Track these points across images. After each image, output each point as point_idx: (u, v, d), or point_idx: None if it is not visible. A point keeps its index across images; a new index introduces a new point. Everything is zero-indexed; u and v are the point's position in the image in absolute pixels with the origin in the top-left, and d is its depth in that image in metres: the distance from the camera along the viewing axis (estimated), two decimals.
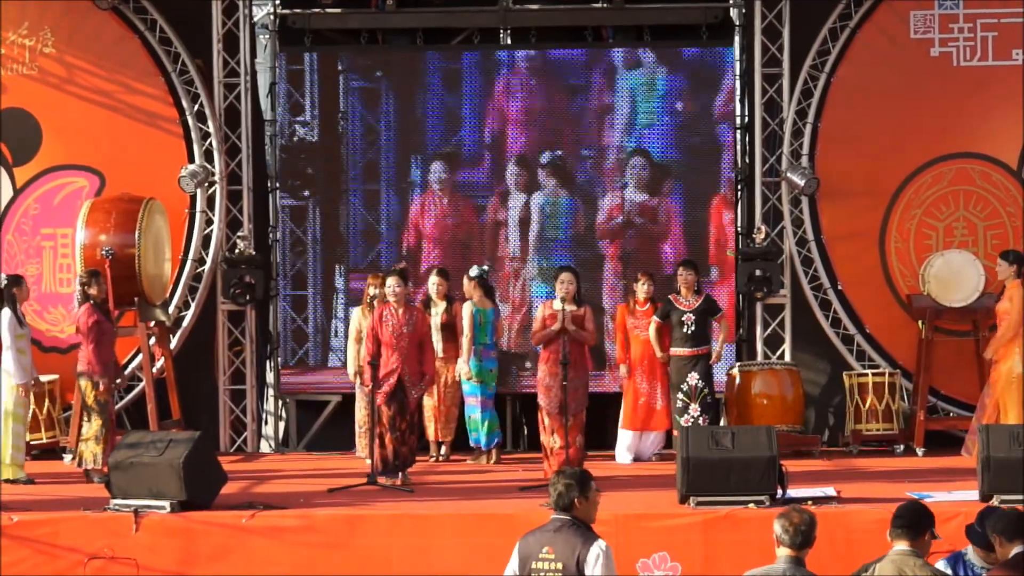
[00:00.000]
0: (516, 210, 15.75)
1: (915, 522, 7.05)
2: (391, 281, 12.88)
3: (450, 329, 14.31)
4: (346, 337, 14.72)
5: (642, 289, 14.27)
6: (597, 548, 7.14)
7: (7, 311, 13.26)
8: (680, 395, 13.95)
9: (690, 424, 13.53)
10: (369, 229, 15.83)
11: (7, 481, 13.05)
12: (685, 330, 13.97)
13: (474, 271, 14.59)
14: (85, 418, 13.16)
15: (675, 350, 14.02)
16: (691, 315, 13.98)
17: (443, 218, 15.80)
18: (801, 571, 6.84)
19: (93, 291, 13.20)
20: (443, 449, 14.55)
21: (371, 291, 14.09)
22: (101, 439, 12.98)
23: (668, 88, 15.66)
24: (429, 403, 14.35)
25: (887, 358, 15.28)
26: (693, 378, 13.92)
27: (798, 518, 6.89)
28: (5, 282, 13.47)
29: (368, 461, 13.74)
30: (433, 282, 14.38)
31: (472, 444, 14.55)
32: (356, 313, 14.38)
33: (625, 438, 14.33)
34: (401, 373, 12.71)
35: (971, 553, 7.50)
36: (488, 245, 15.75)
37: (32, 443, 14.47)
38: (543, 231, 15.74)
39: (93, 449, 13.03)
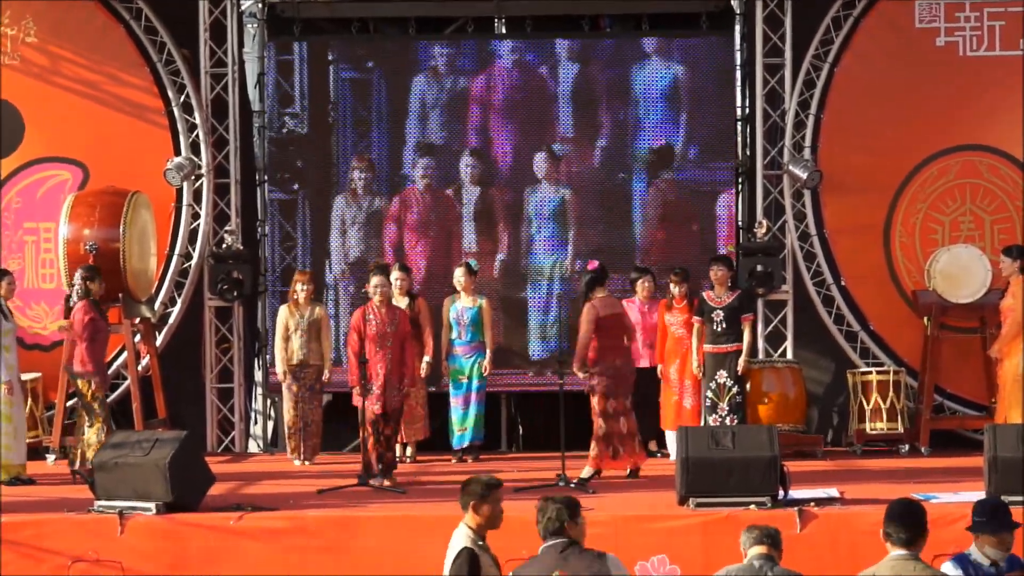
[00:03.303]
0: (509, 204, 15.57)
1: (911, 525, 6.87)
2: (376, 280, 12.79)
3: (413, 325, 14.08)
4: (279, 336, 14.38)
5: (674, 289, 14.08)
6: (614, 560, 6.99)
7: None
8: (709, 393, 13.79)
9: (718, 424, 13.37)
10: (360, 223, 15.54)
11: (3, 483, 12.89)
12: (715, 327, 13.80)
13: (474, 264, 14.63)
14: (87, 420, 12.97)
15: (706, 347, 13.85)
16: (720, 312, 13.76)
17: (434, 211, 15.63)
18: (776, 568, 6.81)
19: (95, 287, 13.12)
20: (408, 450, 14.36)
21: (298, 288, 14.15)
22: (103, 436, 12.78)
23: (667, 79, 15.49)
24: None
25: (892, 356, 15.21)
26: (722, 376, 13.74)
27: (762, 526, 6.98)
28: None
29: (297, 463, 14.08)
30: (394, 277, 14.16)
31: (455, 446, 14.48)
32: (283, 311, 14.29)
33: (667, 437, 14.17)
34: (387, 375, 12.59)
35: (976, 552, 7.34)
36: (480, 240, 15.54)
37: None
38: (538, 225, 15.51)
39: (93, 446, 12.81)
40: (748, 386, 13.99)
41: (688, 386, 14.04)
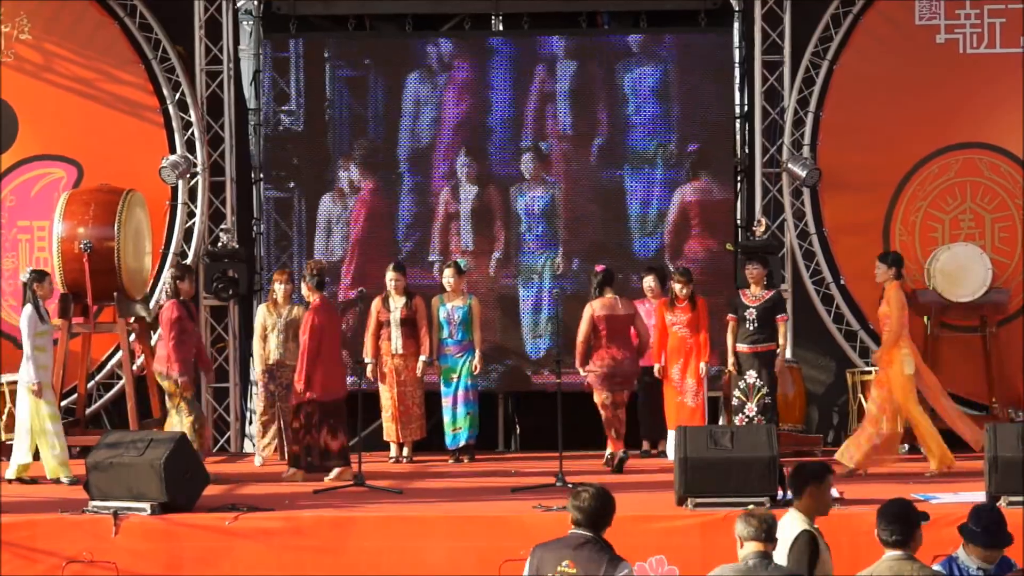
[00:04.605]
0: (503, 202, 15.49)
1: (903, 525, 6.86)
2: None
3: (410, 324, 14.03)
4: (257, 335, 14.27)
5: (679, 290, 13.93)
6: (625, 570, 6.89)
7: (28, 307, 13.07)
8: (737, 392, 13.68)
9: (745, 423, 13.30)
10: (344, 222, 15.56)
11: (54, 481, 12.87)
12: (748, 326, 13.68)
13: (463, 264, 14.60)
14: (177, 417, 12.89)
15: (738, 346, 13.72)
16: (754, 310, 13.64)
17: (429, 210, 15.52)
18: (772, 567, 6.78)
19: (185, 286, 13.06)
20: (404, 451, 14.29)
21: (276, 286, 14.10)
22: (195, 433, 12.74)
23: (665, 76, 15.41)
24: (387, 403, 14.17)
25: None
26: (751, 376, 13.62)
27: (760, 513, 6.91)
28: (27, 277, 13.29)
29: (258, 461, 14.07)
30: (390, 278, 14.15)
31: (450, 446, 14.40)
32: (261, 310, 14.22)
33: (669, 437, 14.02)
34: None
35: (963, 556, 7.30)
36: (476, 238, 15.48)
37: (7, 442, 14.25)
38: (528, 224, 15.46)
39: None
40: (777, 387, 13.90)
41: (691, 385, 13.89)
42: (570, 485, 12.10)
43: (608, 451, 13.62)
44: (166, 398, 13.07)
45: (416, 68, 15.58)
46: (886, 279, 13.08)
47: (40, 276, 13.29)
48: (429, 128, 15.51)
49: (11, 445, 14.23)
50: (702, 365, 13.85)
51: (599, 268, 13.85)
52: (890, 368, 12.87)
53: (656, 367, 13.98)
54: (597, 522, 6.97)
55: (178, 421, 12.83)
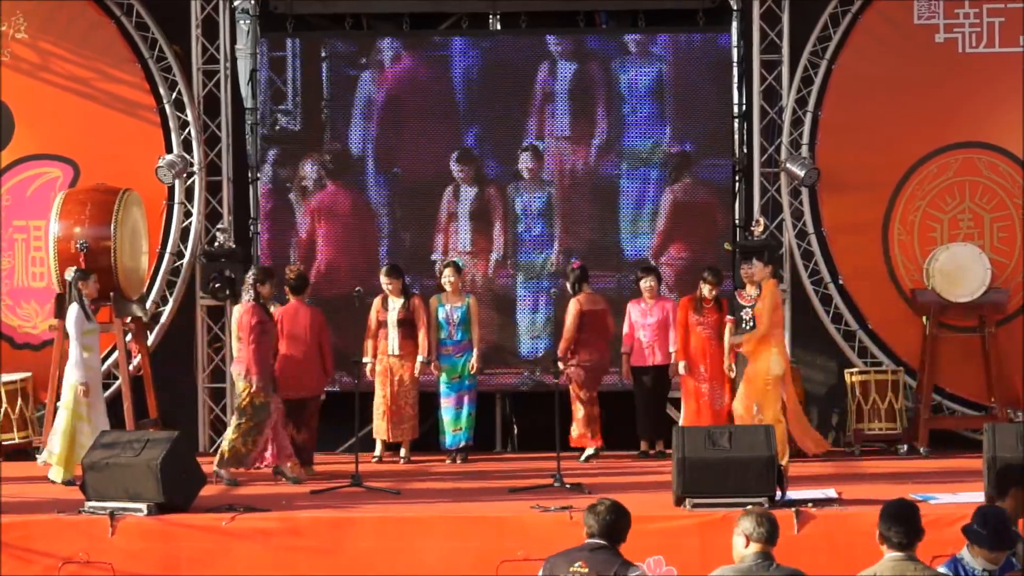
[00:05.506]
0: (499, 202, 15.48)
1: (907, 526, 6.81)
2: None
3: (408, 325, 14.02)
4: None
5: (707, 291, 13.96)
6: (636, 571, 7.07)
7: (74, 306, 13.04)
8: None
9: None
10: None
11: (63, 483, 12.81)
12: (744, 325, 13.60)
13: (461, 263, 14.63)
14: (235, 421, 12.86)
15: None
16: (750, 310, 13.59)
17: (426, 209, 15.48)
18: (773, 567, 6.76)
19: (265, 290, 13.04)
20: (402, 451, 14.25)
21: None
22: (249, 440, 12.71)
23: (663, 75, 15.39)
24: (379, 400, 14.17)
25: (890, 355, 15.11)
26: None
27: (768, 514, 6.87)
28: (71, 276, 13.26)
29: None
30: (384, 283, 14.18)
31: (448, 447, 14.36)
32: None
33: None
34: None
35: (968, 557, 7.23)
36: (473, 238, 15.46)
37: (5, 443, 14.23)
38: (526, 223, 15.43)
39: (237, 447, 12.72)
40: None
41: (716, 386, 13.90)
42: (568, 486, 12.07)
43: (589, 451, 14.06)
44: (235, 401, 13.02)
45: (414, 67, 15.54)
46: (763, 277, 13.21)
47: (85, 275, 13.27)
48: (426, 127, 15.48)
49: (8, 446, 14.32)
50: (731, 367, 13.82)
51: (575, 264, 14.32)
52: (757, 362, 12.98)
53: (681, 365, 13.99)
54: (613, 534, 7.12)
55: (235, 422, 12.79)
